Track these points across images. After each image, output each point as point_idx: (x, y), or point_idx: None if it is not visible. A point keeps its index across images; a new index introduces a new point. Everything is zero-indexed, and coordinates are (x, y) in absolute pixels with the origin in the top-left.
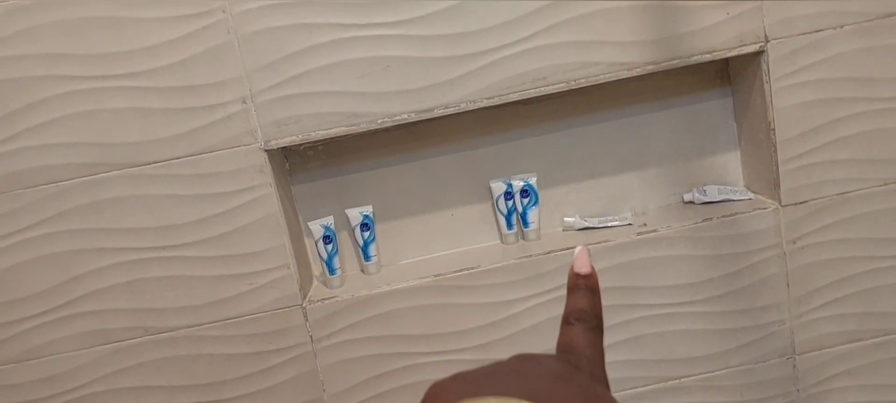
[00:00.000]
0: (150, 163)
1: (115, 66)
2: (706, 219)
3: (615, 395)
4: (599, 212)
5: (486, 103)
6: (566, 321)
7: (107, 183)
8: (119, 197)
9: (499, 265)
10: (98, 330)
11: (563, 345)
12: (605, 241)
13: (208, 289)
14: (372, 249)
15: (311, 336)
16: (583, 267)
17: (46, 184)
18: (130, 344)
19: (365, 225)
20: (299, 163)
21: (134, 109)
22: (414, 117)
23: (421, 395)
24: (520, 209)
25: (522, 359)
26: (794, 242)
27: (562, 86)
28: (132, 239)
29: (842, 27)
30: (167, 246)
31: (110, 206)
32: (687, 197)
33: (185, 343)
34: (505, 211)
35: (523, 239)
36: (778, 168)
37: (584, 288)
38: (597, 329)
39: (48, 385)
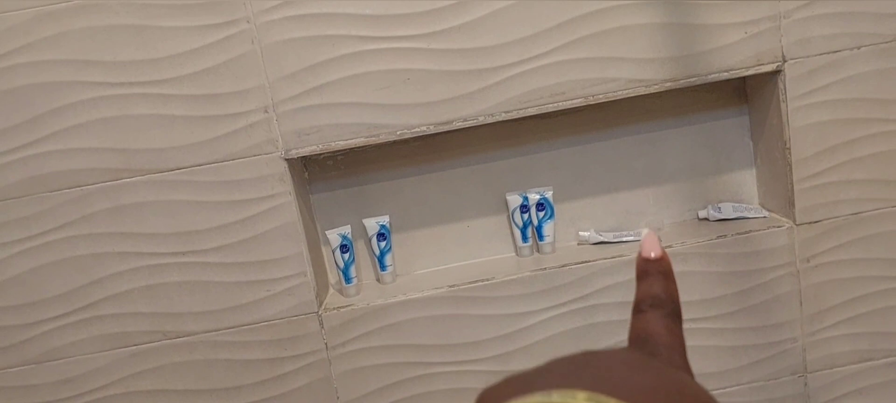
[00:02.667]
0: (172, 170)
1: (140, 74)
2: (721, 236)
3: None
4: (614, 227)
5: (504, 117)
6: (637, 309)
7: (129, 188)
8: (141, 202)
9: (513, 277)
10: (117, 334)
11: (635, 335)
12: (619, 256)
13: (226, 295)
14: (388, 259)
15: (326, 344)
16: (653, 251)
17: (70, 188)
18: (148, 348)
19: (381, 235)
20: (318, 172)
21: (157, 116)
22: (433, 130)
23: None
24: (535, 222)
25: (587, 353)
26: (808, 261)
27: (579, 102)
28: (153, 244)
29: (859, 48)
30: (187, 251)
31: (132, 211)
32: (702, 213)
33: (203, 348)
34: (520, 223)
35: (538, 252)
36: (793, 186)
37: (655, 273)
38: (675, 315)
39: (67, 386)
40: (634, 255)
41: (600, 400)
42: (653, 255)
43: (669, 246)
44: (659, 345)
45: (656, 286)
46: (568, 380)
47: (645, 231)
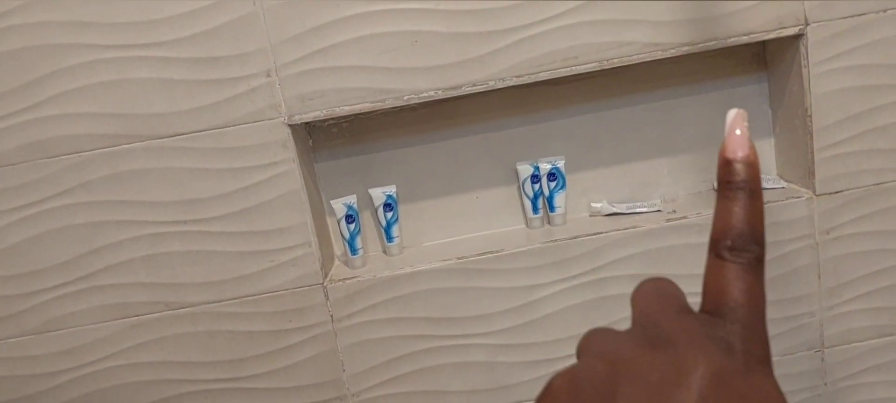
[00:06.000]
0: (172, 136)
1: (139, 36)
2: None
3: None
4: (628, 198)
5: (515, 81)
6: (715, 250)
7: (129, 154)
8: (141, 169)
9: (523, 249)
10: (118, 304)
11: (709, 296)
12: (633, 227)
13: (229, 265)
14: (395, 230)
15: (331, 316)
16: (740, 147)
17: (68, 154)
18: (150, 319)
19: (388, 206)
20: (323, 139)
21: (157, 80)
22: (441, 94)
23: (440, 377)
24: (546, 193)
25: (654, 355)
26: (828, 232)
27: (593, 66)
28: (153, 213)
29: (885, 11)
30: (188, 220)
31: (132, 178)
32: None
33: (205, 319)
34: (531, 194)
35: (549, 223)
36: (813, 156)
37: (741, 189)
38: (757, 263)
39: (67, 357)
40: (648, 227)
41: None
42: (739, 155)
43: (684, 217)
44: (737, 320)
45: (740, 214)
46: None
47: (732, 112)
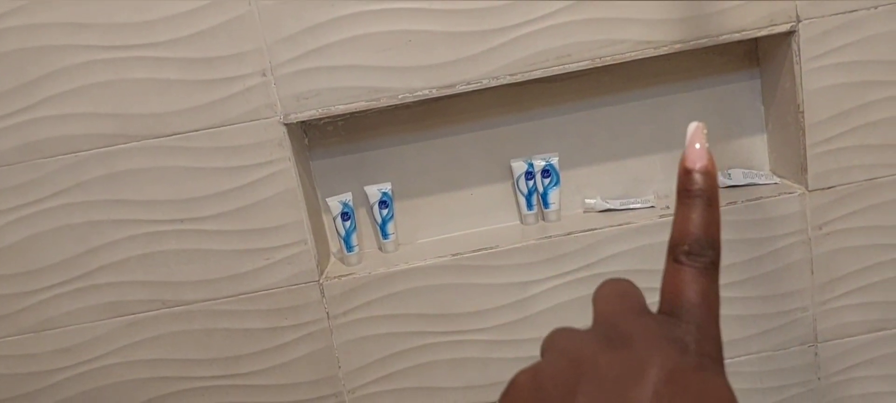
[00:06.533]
0: (168, 135)
1: (134, 36)
2: (730, 203)
3: None
4: (621, 194)
5: (509, 80)
6: (673, 254)
7: (125, 154)
8: (137, 168)
9: (518, 245)
10: (114, 302)
11: (666, 297)
12: (627, 224)
13: (225, 263)
14: (390, 227)
15: (327, 313)
16: (698, 159)
17: (65, 155)
18: (146, 317)
19: (383, 203)
20: (318, 138)
21: (153, 80)
22: (435, 93)
23: (435, 374)
24: (540, 189)
25: (612, 354)
26: (820, 228)
27: (586, 64)
28: (150, 212)
29: (876, 8)
30: (184, 219)
31: (128, 178)
32: None
33: (202, 317)
34: (525, 191)
35: (543, 220)
36: (806, 152)
37: (698, 198)
38: (712, 267)
39: (64, 356)
40: (642, 223)
41: None
42: (698, 165)
43: None
44: (690, 322)
45: (697, 221)
46: None
47: (692, 125)
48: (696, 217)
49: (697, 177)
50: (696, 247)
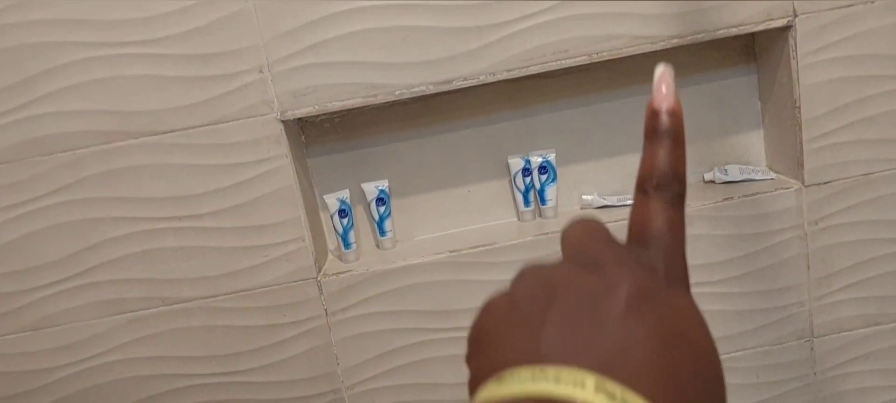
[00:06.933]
0: (166, 132)
1: (132, 33)
2: (727, 199)
3: None
4: (618, 191)
5: (505, 75)
6: (641, 187)
7: (123, 151)
8: (135, 165)
9: (515, 242)
10: (113, 300)
11: (635, 227)
12: (624, 219)
13: (223, 260)
14: (387, 224)
15: (325, 310)
16: (665, 100)
17: (63, 152)
18: (146, 314)
19: (381, 200)
20: (315, 135)
21: (151, 77)
22: (432, 89)
23: (433, 370)
24: (538, 186)
25: (585, 275)
26: (817, 223)
27: (583, 60)
28: (148, 209)
29: (872, 2)
30: (183, 216)
31: (126, 175)
32: (708, 176)
33: (200, 314)
34: (522, 187)
35: (541, 216)
36: (802, 147)
37: (665, 136)
38: (678, 200)
39: (64, 353)
40: None
41: (608, 390)
42: (665, 106)
43: None
44: (659, 247)
45: (665, 157)
46: (573, 353)
47: (660, 68)
48: (663, 153)
49: (664, 118)
50: (663, 181)
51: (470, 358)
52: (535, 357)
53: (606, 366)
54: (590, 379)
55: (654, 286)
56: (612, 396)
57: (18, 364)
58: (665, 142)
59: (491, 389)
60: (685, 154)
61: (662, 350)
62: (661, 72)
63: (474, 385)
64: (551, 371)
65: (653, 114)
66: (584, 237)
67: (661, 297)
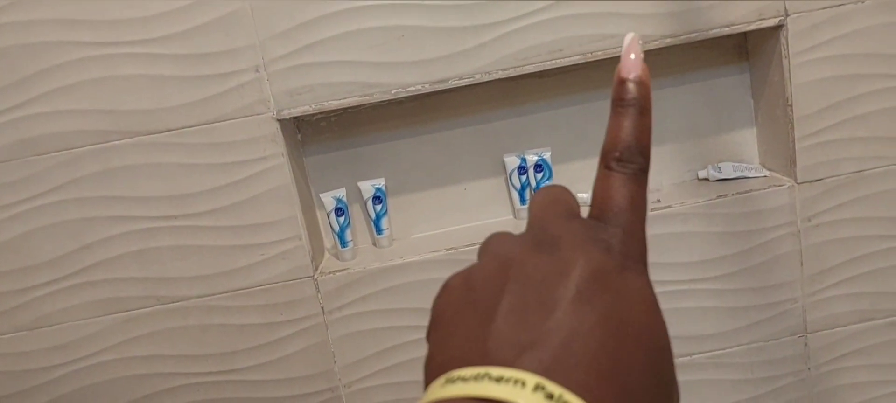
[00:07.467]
0: (162, 132)
1: (128, 33)
2: (721, 196)
3: None
4: None
5: (501, 74)
6: (604, 160)
7: (119, 150)
8: (131, 165)
9: None
10: (109, 299)
11: (596, 202)
12: None
13: (219, 259)
14: (384, 222)
15: (322, 308)
16: (633, 69)
17: (58, 151)
18: (142, 313)
19: (377, 198)
20: (312, 134)
21: (147, 77)
22: (428, 88)
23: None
24: (533, 184)
25: (540, 256)
26: (809, 220)
27: (578, 59)
28: (144, 208)
29: (863, 2)
30: (179, 215)
31: (122, 174)
32: (702, 173)
33: (197, 313)
34: (518, 185)
35: None
36: (794, 145)
37: (631, 107)
38: (641, 174)
39: (60, 352)
40: None
41: (548, 390)
42: (632, 74)
43: (668, 207)
44: (618, 223)
45: (629, 128)
46: (518, 348)
47: (629, 36)
48: (628, 125)
49: (631, 87)
50: (626, 154)
51: (428, 337)
52: (482, 353)
53: (549, 364)
54: (530, 380)
55: (608, 267)
56: (550, 396)
57: (14, 364)
58: (631, 113)
59: (437, 390)
60: (650, 126)
61: (608, 341)
62: (630, 39)
63: (428, 368)
64: (495, 371)
65: (620, 83)
66: (546, 208)
67: (613, 281)
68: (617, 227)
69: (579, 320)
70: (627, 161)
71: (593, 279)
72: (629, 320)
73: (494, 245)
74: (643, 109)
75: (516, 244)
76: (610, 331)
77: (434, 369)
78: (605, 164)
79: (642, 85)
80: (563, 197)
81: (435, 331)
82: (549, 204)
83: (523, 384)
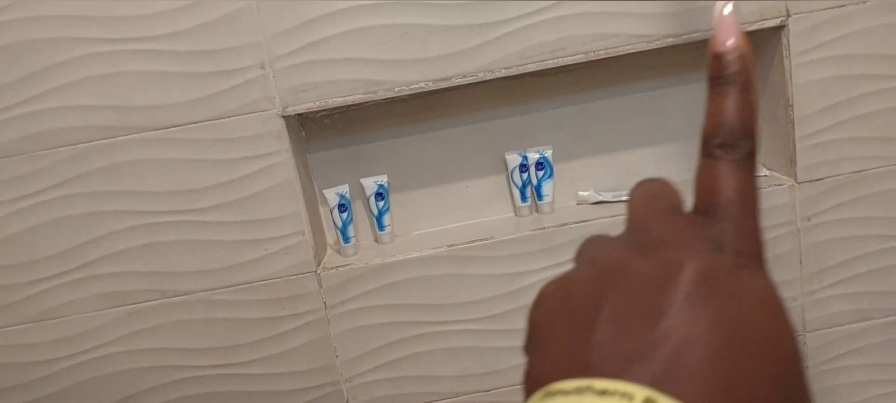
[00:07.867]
0: (168, 127)
1: (134, 30)
2: None
3: None
4: (614, 187)
5: (504, 73)
6: (705, 148)
7: (125, 146)
8: (137, 160)
9: (512, 236)
10: (115, 293)
11: (700, 195)
12: (620, 215)
13: (224, 254)
14: (386, 219)
15: (324, 303)
16: (729, 37)
17: (65, 146)
18: (147, 307)
19: (379, 195)
20: (315, 130)
21: (153, 73)
22: (431, 86)
23: (431, 363)
24: (534, 182)
25: (642, 259)
26: (809, 219)
27: (580, 58)
28: (149, 203)
29: (865, 2)
30: (184, 210)
31: (128, 169)
32: None
33: (201, 307)
34: (519, 183)
35: (537, 211)
36: (795, 144)
37: (731, 82)
38: (749, 159)
39: (65, 345)
40: None
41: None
42: (729, 45)
43: None
44: (728, 217)
45: (731, 109)
46: (624, 360)
47: (723, 4)
48: (729, 105)
49: (730, 60)
50: (730, 139)
51: (526, 350)
52: (584, 366)
53: (659, 375)
54: (639, 393)
55: (719, 267)
56: None
57: (20, 356)
58: (731, 92)
59: None
60: (755, 103)
61: (723, 350)
62: (725, 7)
63: (527, 381)
64: (599, 383)
65: (715, 58)
66: (646, 205)
67: (726, 282)
68: (726, 221)
69: (690, 327)
70: (732, 146)
71: (704, 281)
72: (747, 324)
73: (591, 249)
74: (745, 85)
75: (615, 246)
76: (726, 338)
77: (533, 383)
78: (708, 152)
79: (742, 57)
80: (664, 191)
81: (532, 344)
82: (649, 200)
83: (631, 397)
